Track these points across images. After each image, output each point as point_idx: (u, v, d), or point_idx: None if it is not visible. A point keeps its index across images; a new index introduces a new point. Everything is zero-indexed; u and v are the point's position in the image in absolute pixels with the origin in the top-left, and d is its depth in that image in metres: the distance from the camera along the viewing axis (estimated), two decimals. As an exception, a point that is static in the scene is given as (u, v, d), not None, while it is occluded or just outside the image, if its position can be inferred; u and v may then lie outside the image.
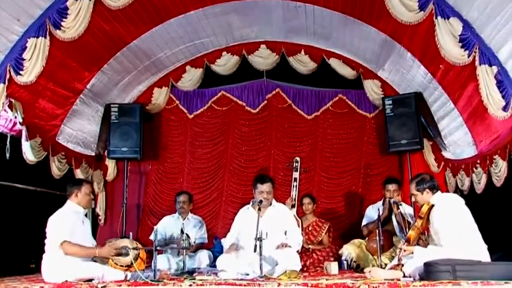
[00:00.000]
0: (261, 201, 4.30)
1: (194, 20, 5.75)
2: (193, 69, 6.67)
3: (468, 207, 3.77)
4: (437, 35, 4.38)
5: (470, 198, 3.90)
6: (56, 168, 5.41)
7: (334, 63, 6.43)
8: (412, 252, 3.73)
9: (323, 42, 6.37)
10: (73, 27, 4.49)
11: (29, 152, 4.89)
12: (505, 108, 4.03)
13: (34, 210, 5.30)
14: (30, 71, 4.41)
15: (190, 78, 6.69)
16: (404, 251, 3.80)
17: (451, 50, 4.33)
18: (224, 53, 6.57)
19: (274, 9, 5.78)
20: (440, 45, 4.40)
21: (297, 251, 4.38)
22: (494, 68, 4.05)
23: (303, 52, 6.46)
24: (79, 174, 5.85)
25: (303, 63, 6.48)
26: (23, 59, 4.40)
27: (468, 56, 4.21)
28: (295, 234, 4.49)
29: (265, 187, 4.47)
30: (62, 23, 4.45)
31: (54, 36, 4.48)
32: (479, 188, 4.88)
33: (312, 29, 6.12)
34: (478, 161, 4.82)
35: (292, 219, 4.68)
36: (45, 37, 4.42)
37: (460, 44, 4.24)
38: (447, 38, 4.31)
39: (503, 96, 4.02)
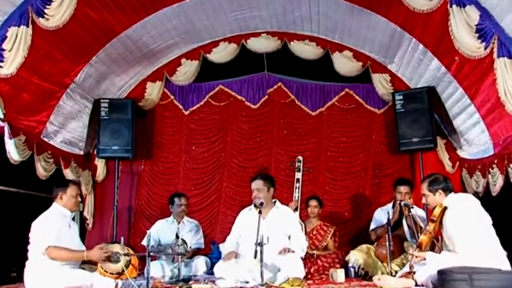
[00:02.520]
0: (261, 204, 4.26)
1: (190, 9, 5.71)
2: (189, 61, 6.64)
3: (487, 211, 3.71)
4: (451, 25, 4.32)
5: (486, 201, 3.84)
6: (42, 169, 5.33)
7: (337, 61, 6.38)
8: (425, 259, 3.70)
9: (328, 33, 6.33)
10: (57, 15, 4.41)
11: (13, 151, 4.82)
12: (524, 105, 3.98)
13: (16, 213, 5.24)
14: (11, 63, 4.33)
15: (186, 71, 6.64)
16: (416, 257, 3.76)
17: (466, 41, 4.28)
18: (222, 43, 6.54)
19: (277, -2, 5.76)
20: (455, 37, 4.35)
21: (301, 258, 4.35)
22: (515, 61, 3.99)
23: (307, 41, 6.43)
24: (69, 174, 5.79)
25: (309, 46, 6.42)
26: (3, 50, 4.32)
27: (485, 48, 4.14)
28: (299, 239, 4.46)
29: (254, 185, 4.49)
30: (45, 10, 4.38)
31: (37, 25, 4.41)
32: (495, 190, 4.81)
33: (316, 19, 6.08)
34: (495, 161, 4.76)
35: (296, 223, 4.70)
36: (27, 26, 4.34)
37: (477, 35, 4.17)
38: (462, 28, 4.25)
39: (522, 92, 3.97)
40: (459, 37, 4.32)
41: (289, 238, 4.46)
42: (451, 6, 4.25)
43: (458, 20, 4.25)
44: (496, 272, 3.30)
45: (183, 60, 6.65)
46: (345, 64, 6.40)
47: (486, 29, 4.08)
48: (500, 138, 4.67)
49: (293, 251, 4.24)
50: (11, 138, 4.71)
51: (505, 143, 4.57)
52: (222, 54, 6.54)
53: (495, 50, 4.04)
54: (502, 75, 4.04)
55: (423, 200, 4.06)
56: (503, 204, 4.83)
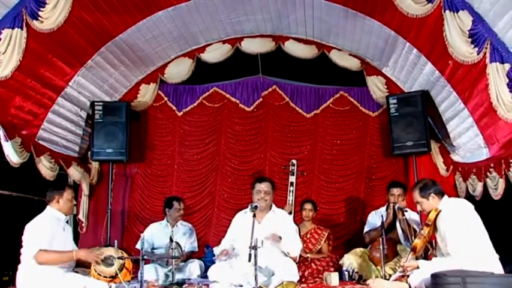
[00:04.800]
0: (255, 207, 4.25)
1: (185, 13, 5.71)
2: (182, 58, 6.61)
3: (480, 215, 3.72)
4: (445, 30, 4.34)
5: (483, 205, 3.85)
6: (48, 169, 5.28)
7: (335, 55, 6.40)
8: (417, 267, 3.71)
9: (323, 36, 6.35)
10: (51, 17, 4.39)
11: (12, 154, 4.78)
12: (517, 110, 3.98)
13: (9, 216, 5.20)
14: (5, 65, 4.31)
15: (179, 68, 6.60)
16: (406, 269, 3.78)
17: (459, 47, 4.29)
18: (216, 43, 6.55)
19: (271, 2, 5.76)
20: (448, 42, 4.36)
21: (295, 260, 4.35)
22: (507, 66, 3.97)
23: (302, 44, 6.47)
24: (74, 173, 5.77)
25: (303, 45, 6.45)
26: (-2, 52, 4.31)
27: (478, 53, 4.15)
28: (293, 241, 4.44)
29: (263, 186, 4.45)
30: (40, 13, 4.35)
31: (31, 27, 4.39)
32: (497, 194, 4.74)
33: (311, 22, 6.09)
34: (492, 165, 4.75)
35: (292, 226, 4.68)
36: (22, 28, 4.32)
37: (470, 40, 4.19)
38: (455, 34, 4.26)
39: (514, 97, 3.97)
40: (452, 42, 4.34)
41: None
42: (444, 11, 4.26)
43: (452, 26, 4.27)
44: (489, 276, 3.31)
45: (177, 59, 6.64)
46: (344, 59, 6.41)
47: (479, 33, 4.09)
48: (495, 142, 4.67)
49: (280, 237, 4.21)
50: (7, 141, 4.68)
51: (499, 147, 4.56)
52: (215, 53, 6.52)
53: (488, 55, 4.05)
54: (494, 80, 4.05)
55: (418, 208, 4.06)
56: (503, 208, 4.83)
